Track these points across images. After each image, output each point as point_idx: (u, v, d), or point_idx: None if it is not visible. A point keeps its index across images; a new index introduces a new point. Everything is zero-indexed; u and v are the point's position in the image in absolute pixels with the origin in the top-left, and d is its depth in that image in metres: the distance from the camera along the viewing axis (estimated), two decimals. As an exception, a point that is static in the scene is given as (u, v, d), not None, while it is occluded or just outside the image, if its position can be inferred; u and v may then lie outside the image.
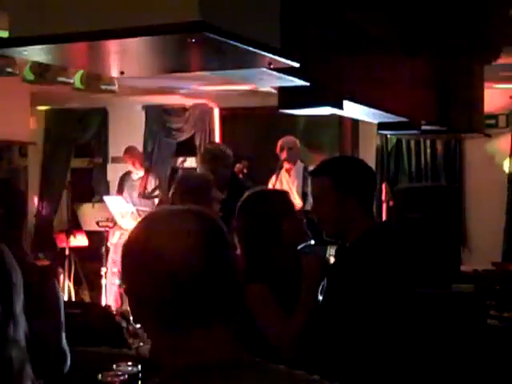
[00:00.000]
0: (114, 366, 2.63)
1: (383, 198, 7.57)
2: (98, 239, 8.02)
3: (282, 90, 3.12)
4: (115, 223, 7.65)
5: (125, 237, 1.64)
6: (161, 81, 7.77)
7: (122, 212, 7.61)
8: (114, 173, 9.32)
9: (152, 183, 8.18)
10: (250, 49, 2.09)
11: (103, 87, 6.85)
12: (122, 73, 2.38)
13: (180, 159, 9.17)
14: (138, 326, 6.76)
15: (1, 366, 1.27)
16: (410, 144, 8.53)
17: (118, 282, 7.35)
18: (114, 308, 7.35)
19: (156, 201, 8.01)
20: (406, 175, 8.58)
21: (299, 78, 2.66)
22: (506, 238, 8.06)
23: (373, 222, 2.90)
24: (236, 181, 5.62)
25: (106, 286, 7.50)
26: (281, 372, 1.40)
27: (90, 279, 8.32)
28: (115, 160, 9.47)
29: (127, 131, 9.47)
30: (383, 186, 7.72)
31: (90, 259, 8.18)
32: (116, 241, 7.84)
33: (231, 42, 2.00)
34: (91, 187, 9.65)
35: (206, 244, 1.38)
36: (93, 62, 2.44)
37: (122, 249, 1.44)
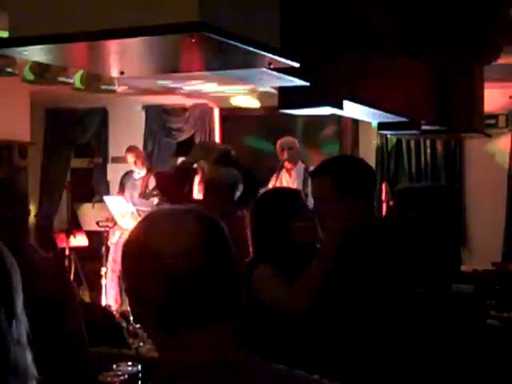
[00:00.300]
0: (114, 366, 2.63)
1: (383, 197, 7.57)
2: (98, 239, 8.02)
3: (282, 90, 3.13)
4: (115, 223, 7.65)
5: (125, 237, 1.64)
6: (161, 81, 7.77)
7: (122, 212, 7.61)
8: (114, 173, 9.32)
9: (153, 183, 8.18)
10: (250, 49, 2.09)
11: (103, 87, 6.86)
12: (122, 73, 2.38)
13: (180, 159, 9.17)
14: (138, 325, 6.77)
15: (6, 366, 1.27)
16: (410, 144, 8.53)
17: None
18: (113, 308, 7.35)
19: (156, 200, 8.01)
20: (405, 175, 8.58)
21: (299, 77, 2.66)
22: (506, 238, 8.07)
23: (373, 220, 2.91)
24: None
25: (105, 285, 7.50)
26: (280, 372, 1.40)
27: (90, 279, 8.32)
28: (115, 160, 9.47)
29: (127, 131, 9.47)
30: (383, 186, 7.72)
31: (90, 259, 8.19)
32: (116, 240, 7.84)
33: (231, 41, 2.00)
34: (91, 187, 9.65)
35: (206, 244, 1.38)
36: (93, 62, 2.44)
37: (122, 248, 1.44)
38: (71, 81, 6.56)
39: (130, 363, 2.68)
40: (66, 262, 7.69)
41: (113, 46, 2.07)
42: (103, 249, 7.71)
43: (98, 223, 7.72)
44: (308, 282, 2.66)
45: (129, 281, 1.42)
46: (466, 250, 7.89)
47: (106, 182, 9.64)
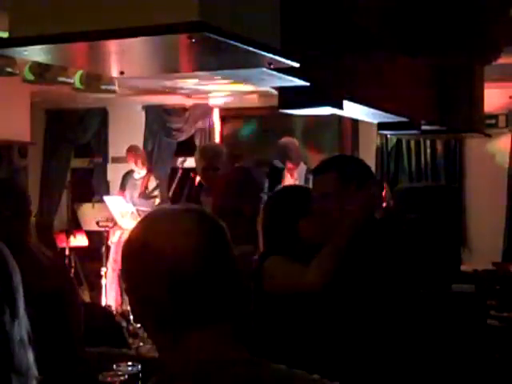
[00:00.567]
0: (114, 366, 2.63)
1: (383, 197, 7.56)
2: (98, 239, 8.02)
3: (282, 90, 3.12)
4: (115, 223, 7.65)
5: (125, 236, 1.64)
6: (161, 80, 7.77)
7: (122, 212, 7.62)
8: (114, 173, 9.33)
9: (153, 183, 8.19)
10: (250, 49, 2.09)
11: (103, 87, 6.86)
12: (122, 73, 2.38)
13: (180, 159, 9.17)
14: (138, 325, 6.77)
15: (9, 366, 1.28)
16: (410, 144, 8.54)
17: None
18: (113, 308, 7.36)
19: (157, 201, 8.02)
20: (405, 175, 8.58)
21: (299, 77, 2.66)
22: (506, 238, 8.07)
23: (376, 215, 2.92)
24: None
25: (106, 285, 7.51)
26: (281, 372, 1.40)
27: (90, 279, 8.32)
28: (115, 160, 9.47)
29: (127, 131, 9.47)
30: (383, 186, 7.72)
31: (90, 259, 8.19)
32: (116, 240, 7.84)
33: (231, 42, 2.00)
34: (91, 187, 9.65)
35: (206, 244, 1.38)
36: (93, 62, 2.44)
37: (122, 248, 1.44)
38: (71, 81, 6.56)
39: (129, 363, 2.68)
40: (66, 262, 7.70)
41: (113, 46, 2.07)
42: (103, 249, 7.71)
43: (97, 223, 7.72)
44: (323, 257, 2.66)
45: (129, 280, 1.42)
46: (465, 250, 7.89)
47: (106, 182, 9.64)
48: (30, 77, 6.32)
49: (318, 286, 2.63)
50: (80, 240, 8.15)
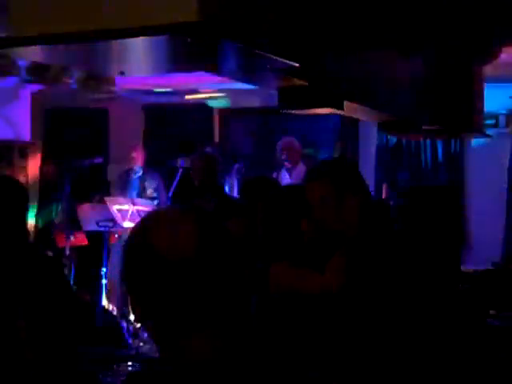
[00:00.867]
0: (114, 366, 2.63)
1: (383, 198, 7.56)
2: (97, 239, 8.01)
3: (282, 90, 3.13)
4: (115, 223, 7.64)
5: (125, 237, 1.64)
6: (161, 80, 7.78)
7: (122, 212, 7.61)
8: (114, 173, 9.32)
9: (151, 183, 8.18)
10: (250, 49, 2.10)
11: (103, 87, 6.86)
12: (122, 73, 2.38)
13: (180, 159, 9.17)
14: (138, 325, 6.77)
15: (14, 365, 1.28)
16: (410, 144, 8.54)
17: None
18: (113, 308, 7.35)
19: (156, 201, 8.01)
20: (406, 175, 8.58)
21: (299, 77, 2.67)
22: (506, 237, 8.07)
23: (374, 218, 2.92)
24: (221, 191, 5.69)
25: (106, 285, 7.50)
26: (273, 372, 1.40)
27: (90, 279, 8.31)
28: (115, 160, 9.47)
29: (127, 131, 9.47)
30: (383, 186, 7.72)
31: (90, 259, 8.18)
32: (116, 240, 7.84)
33: (231, 42, 2.00)
34: (91, 187, 9.65)
35: (207, 245, 1.38)
36: (93, 62, 2.44)
37: (123, 249, 1.45)
38: (71, 81, 6.56)
39: (130, 363, 2.68)
40: (66, 262, 7.69)
41: (113, 46, 2.08)
42: (103, 249, 7.70)
43: (97, 223, 7.71)
44: (337, 261, 2.69)
45: (129, 280, 1.42)
46: (465, 249, 7.89)
47: (106, 182, 9.63)
48: (30, 77, 6.33)
49: (334, 288, 2.65)
50: (80, 240, 8.14)
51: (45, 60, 2.34)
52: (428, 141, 8.33)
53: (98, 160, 9.13)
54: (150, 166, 8.62)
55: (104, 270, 7.53)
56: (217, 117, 9.50)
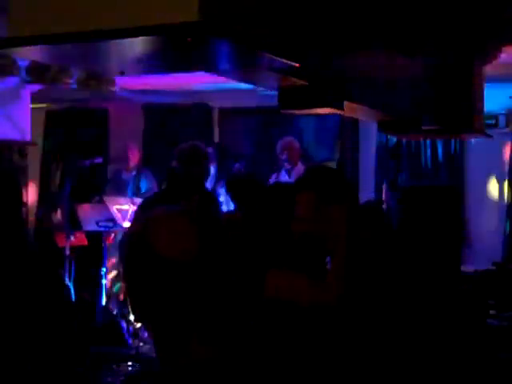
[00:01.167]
0: (114, 366, 2.63)
1: (383, 197, 7.57)
2: (97, 239, 8.01)
3: (282, 90, 3.12)
4: (115, 223, 7.65)
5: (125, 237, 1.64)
6: (161, 80, 7.78)
7: (122, 212, 7.62)
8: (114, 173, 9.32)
9: (146, 183, 8.19)
10: (250, 49, 2.09)
11: (103, 87, 6.86)
12: (122, 73, 2.38)
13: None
14: (138, 325, 6.76)
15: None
16: (410, 144, 8.54)
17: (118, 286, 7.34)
18: (113, 308, 7.36)
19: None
20: (406, 175, 8.59)
21: (299, 77, 2.67)
22: (506, 238, 8.07)
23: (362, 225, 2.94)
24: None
25: (105, 285, 7.50)
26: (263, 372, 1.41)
27: (90, 279, 8.32)
28: (115, 160, 9.47)
29: (127, 131, 9.48)
30: (383, 186, 7.72)
31: (90, 259, 8.18)
32: (116, 240, 7.84)
33: (231, 42, 2.00)
34: (91, 187, 9.65)
35: (205, 245, 1.38)
36: (93, 62, 2.44)
37: (123, 249, 1.45)
38: (71, 81, 6.57)
39: (130, 363, 2.68)
40: (66, 262, 7.70)
41: (113, 46, 2.07)
42: (103, 249, 7.71)
43: (97, 223, 7.71)
44: (334, 274, 2.69)
45: (129, 280, 1.42)
46: (466, 249, 7.89)
47: (106, 182, 9.64)
48: (30, 77, 6.33)
49: (334, 302, 2.67)
50: (80, 240, 8.14)
51: (45, 60, 2.34)
52: (428, 141, 8.33)
53: (98, 160, 9.14)
54: (149, 165, 8.63)
55: (104, 269, 7.53)
56: (217, 117, 9.50)
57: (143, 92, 8.65)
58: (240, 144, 9.27)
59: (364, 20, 3.31)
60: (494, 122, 7.98)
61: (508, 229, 8.10)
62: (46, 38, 2.01)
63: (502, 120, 8.16)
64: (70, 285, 7.80)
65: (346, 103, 3.24)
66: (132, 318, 6.55)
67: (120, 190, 8.20)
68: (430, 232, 5.51)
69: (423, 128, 4.46)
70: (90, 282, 8.19)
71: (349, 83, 3.30)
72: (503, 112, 8.14)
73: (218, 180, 7.66)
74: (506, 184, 8.16)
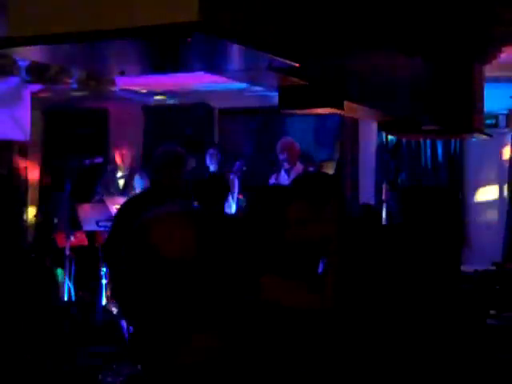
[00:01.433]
0: (114, 366, 2.63)
1: (383, 197, 7.56)
2: (98, 239, 8.01)
3: (282, 90, 3.12)
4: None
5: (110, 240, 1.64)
6: (161, 80, 7.77)
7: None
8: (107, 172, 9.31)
9: (140, 183, 8.18)
10: (250, 49, 2.09)
11: (103, 87, 6.86)
12: (122, 73, 2.38)
13: (180, 159, 9.16)
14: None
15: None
16: (410, 144, 8.54)
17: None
18: (113, 308, 7.35)
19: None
20: (406, 175, 8.58)
21: (299, 77, 2.66)
22: (506, 238, 8.06)
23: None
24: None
25: (106, 285, 7.50)
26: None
27: (90, 279, 8.31)
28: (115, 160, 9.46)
29: (127, 131, 9.47)
30: (383, 186, 7.72)
31: (90, 259, 8.17)
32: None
33: (231, 42, 2.00)
34: (91, 187, 9.64)
35: (204, 245, 1.38)
36: (92, 62, 2.44)
37: (124, 249, 1.45)
38: (71, 81, 6.57)
39: (129, 363, 2.68)
40: (66, 262, 7.70)
41: (112, 45, 2.07)
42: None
43: (97, 223, 7.70)
44: (328, 277, 2.70)
45: (129, 280, 1.42)
46: (466, 249, 7.89)
47: (106, 181, 9.63)
48: (30, 77, 6.33)
49: (329, 304, 2.68)
50: (80, 240, 8.13)
51: (45, 60, 2.34)
52: (428, 141, 8.33)
53: (98, 160, 9.14)
54: (148, 165, 8.61)
55: (104, 269, 7.53)
56: (217, 117, 9.50)
57: (143, 92, 8.65)
58: (240, 144, 9.27)
59: (364, 20, 3.31)
60: (493, 121, 7.97)
61: (508, 229, 8.10)
62: (46, 37, 2.01)
63: (502, 120, 8.15)
64: (70, 285, 7.81)
65: (345, 103, 3.24)
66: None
67: (111, 190, 8.19)
68: (430, 232, 5.51)
69: (423, 128, 4.46)
70: (89, 281, 8.19)
71: (349, 83, 3.30)
72: (503, 112, 8.13)
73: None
74: (505, 184, 8.16)
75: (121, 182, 8.25)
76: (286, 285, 2.82)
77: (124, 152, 8.34)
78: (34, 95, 8.50)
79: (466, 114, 4.76)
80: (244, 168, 7.66)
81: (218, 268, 1.40)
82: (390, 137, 8.32)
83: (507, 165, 8.17)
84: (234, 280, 1.43)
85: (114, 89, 6.94)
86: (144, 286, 1.40)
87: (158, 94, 8.82)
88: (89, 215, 8.00)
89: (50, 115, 9.98)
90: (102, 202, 8.03)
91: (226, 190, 4.67)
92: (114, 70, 2.46)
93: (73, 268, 7.79)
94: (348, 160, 8.67)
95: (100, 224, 7.71)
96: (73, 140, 9.95)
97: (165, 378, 1.39)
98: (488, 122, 6.91)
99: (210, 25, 1.89)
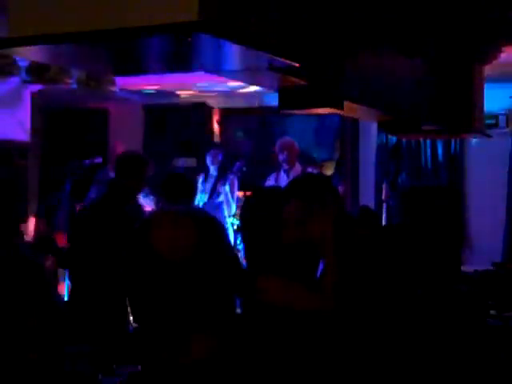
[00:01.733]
0: (114, 366, 2.63)
1: (383, 197, 7.57)
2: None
3: (282, 90, 3.13)
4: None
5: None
6: (161, 80, 7.77)
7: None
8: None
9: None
10: (250, 49, 2.09)
11: (103, 87, 6.86)
12: (122, 73, 2.38)
13: (180, 159, 9.18)
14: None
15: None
16: (410, 144, 8.54)
17: None
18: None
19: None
20: (406, 175, 8.58)
21: (299, 77, 2.66)
22: (506, 238, 8.06)
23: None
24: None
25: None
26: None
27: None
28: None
29: (127, 131, 9.47)
30: (383, 186, 7.72)
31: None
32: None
33: (231, 42, 2.00)
34: (91, 187, 9.64)
35: (204, 245, 1.39)
36: (92, 62, 2.44)
37: (124, 249, 1.45)
38: (71, 81, 6.56)
39: (129, 363, 2.67)
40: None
41: (112, 46, 2.07)
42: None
43: (97, 223, 7.69)
44: (325, 281, 2.71)
45: (129, 280, 1.42)
46: (466, 249, 7.89)
47: (106, 181, 9.62)
48: (30, 77, 6.33)
49: (327, 306, 2.68)
50: (80, 240, 8.11)
51: (45, 60, 2.34)
52: (428, 141, 8.33)
53: (98, 160, 9.13)
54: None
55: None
56: (217, 117, 9.50)
57: (143, 92, 8.65)
58: (240, 144, 9.27)
59: (364, 20, 3.31)
60: (494, 121, 7.97)
61: (508, 229, 8.10)
62: (46, 37, 2.01)
63: (502, 120, 8.15)
64: (71, 285, 7.79)
65: (345, 103, 3.24)
66: (132, 318, 6.55)
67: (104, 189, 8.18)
68: (430, 232, 5.51)
69: (423, 128, 4.46)
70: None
71: (349, 83, 3.30)
72: (503, 112, 8.13)
73: (218, 180, 7.65)
74: (505, 184, 8.16)
75: None
76: (284, 285, 2.82)
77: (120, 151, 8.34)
78: (33, 95, 8.50)
79: (466, 114, 4.76)
80: (244, 168, 7.67)
81: (216, 268, 1.40)
82: (389, 137, 8.32)
83: (507, 165, 8.17)
84: (232, 280, 1.43)
85: (114, 89, 6.94)
86: (144, 286, 1.40)
87: (157, 93, 8.82)
88: (89, 215, 7.98)
89: (50, 115, 9.97)
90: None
91: (189, 190, 4.35)
92: (113, 70, 2.46)
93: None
94: (348, 160, 8.67)
95: (100, 224, 7.70)
96: (73, 140, 9.95)
97: (165, 378, 1.39)
98: (488, 121, 6.91)
99: (210, 25, 1.89)
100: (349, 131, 8.73)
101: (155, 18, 1.89)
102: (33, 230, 9.29)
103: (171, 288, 1.34)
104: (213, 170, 7.75)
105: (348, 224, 2.87)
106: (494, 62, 4.90)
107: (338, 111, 3.34)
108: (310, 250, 2.86)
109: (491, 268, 6.12)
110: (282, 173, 7.30)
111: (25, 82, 6.52)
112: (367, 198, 8.28)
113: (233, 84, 7.66)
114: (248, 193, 4.32)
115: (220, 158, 7.82)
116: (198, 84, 8.11)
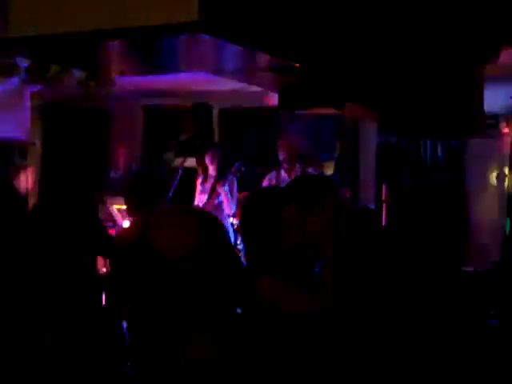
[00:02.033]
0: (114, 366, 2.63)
1: (383, 197, 7.57)
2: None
3: (282, 90, 3.13)
4: (115, 223, 7.64)
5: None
6: (161, 80, 7.77)
7: (122, 212, 7.61)
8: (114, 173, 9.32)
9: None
10: (250, 49, 2.10)
11: (103, 87, 6.85)
12: (122, 73, 2.38)
13: (180, 159, 9.17)
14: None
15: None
16: (410, 144, 8.54)
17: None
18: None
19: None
20: (406, 175, 8.59)
21: (299, 77, 2.67)
22: (505, 237, 8.06)
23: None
24: None
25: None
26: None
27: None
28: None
29: (127, 131, 9.47)
30: (383, 186, 7.72)
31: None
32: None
33: (231, 41, 2.00)
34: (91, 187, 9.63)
35: (205, 245, 1.39)
36: (93, 62, 2.45)
37: (125, 249, 1.45)
38: (71, 81, 6.56)
39: (129, 363, 2.68)
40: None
41: (113, 45, 2.08)
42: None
43: (97, 223, 7.69)
44: (323, 280, 2.71)
45: (129, 280, 1.42)
46: (466, 249, 7.88)
47: (107, 181, 9.63)
48: (30, 77, 6.33)
49: (326, 306, 2.69)
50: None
51: (45, 60, 2.35)
52: (428, 141, 8.33)
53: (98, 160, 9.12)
54: (148, 165, 8.62)
55: (104, 269, 7.52)
56: (217, 117, 9.50)
57: (143, 92, 8.64)
58: (240, 144, 9.27)
59: (364, 20, 3.31)
60: (494, 122, 7.98)
61: (508, 229, 8.10)
62: (45, 38, 2.01)
63: (502, 120, 8.15)
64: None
65: (346, 103, 3.24)
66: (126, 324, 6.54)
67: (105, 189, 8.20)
68: (430, 232, 5.50)
69: (423, 128, 4.46)
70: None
71: (349, 83, 3.31)
72: (503, 112, 8.14)
73: (217, 180, 7.66)
74: (505, 184, 8.16)
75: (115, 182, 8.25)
76: (283, 286, 2.82)
77: (121, 151, 8.35)
78: (33, 95, 8.50)
79: (465, 114, 4.76)
80: (243, 168, 7.68)
81: (216, 268, 1.40)
82: (389, 137, 8.33)
83: (507, 165, 8.17)
84: (232, 280, 1.43)
85: (113, 89, 6.94)
86: (144, 286, 1.40)
87: (157, 93, 8.81)
88: (89, 215, 7.98)
89: (50, 115, 9.97)
90: (102, 201, 8.03)
91: (162, 187, 4.19)
92: (114, 70, 2.46)
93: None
94: (348, 160, 8.67)
95: (100, 224, 7.70)
96: (73, 140, 9.95)
97: (165, 378, 1.39)
98: (488, 121, 6.90)
99: (210, 25, 1.89)
100: (349, 131, 8.73)
101: (155, 18, 1.89)
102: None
103: (171, 288, 1.34)
104: (212, 170, 7.75)
105: (348, 224, 2.88)
106: (494, 62, 4.89)
107: (338, 111, 3.34)
108: (309, 251, 2.87)
109: (491, 268, 6.12)
110: (283, 172, 7.31)
111: (25, 82, 6.51)
112: (367, 198, 8.28)
113: (233, 84, 7.66)
114: (247, 193, 4.33)
115: (219, 158, 7.83)
116: (198, 84, 8.10)
